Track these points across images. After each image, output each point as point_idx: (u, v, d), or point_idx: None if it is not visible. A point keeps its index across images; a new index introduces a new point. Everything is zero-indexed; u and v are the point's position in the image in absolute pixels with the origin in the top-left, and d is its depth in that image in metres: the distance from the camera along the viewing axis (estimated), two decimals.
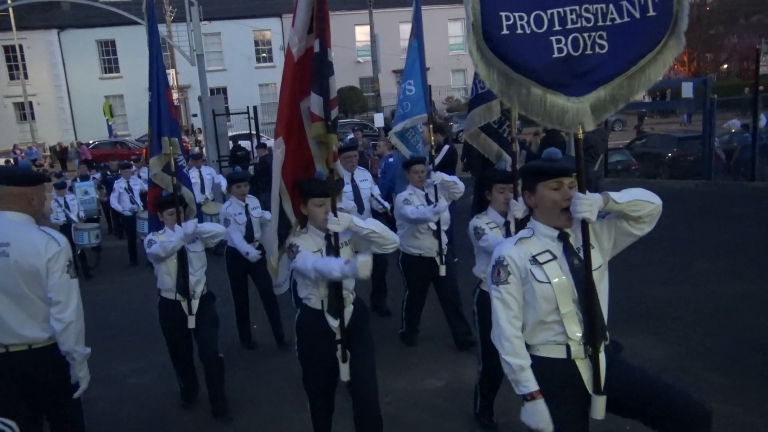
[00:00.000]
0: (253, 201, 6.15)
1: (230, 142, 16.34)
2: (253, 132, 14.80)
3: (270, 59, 38.72)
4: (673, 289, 6.77)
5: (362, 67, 37.94)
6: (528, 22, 2.35)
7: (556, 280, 2.55)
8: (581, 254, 2.57)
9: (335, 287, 3.39)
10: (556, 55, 2.38)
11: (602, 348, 2.60)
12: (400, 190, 5.69)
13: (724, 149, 14.71)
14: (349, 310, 3.51)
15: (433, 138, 5.81)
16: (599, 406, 2.58)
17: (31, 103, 33.96)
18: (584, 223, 2.52)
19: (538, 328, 2.61)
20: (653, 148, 16.24)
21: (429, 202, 5.45)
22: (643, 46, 2.38)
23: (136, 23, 17.20)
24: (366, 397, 3.45)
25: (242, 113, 15.52)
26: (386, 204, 6.59)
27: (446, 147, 8.37)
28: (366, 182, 6.54)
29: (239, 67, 37.05)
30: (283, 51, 31.11)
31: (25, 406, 3.30)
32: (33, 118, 34.28)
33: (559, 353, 2.60)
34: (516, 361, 2.58)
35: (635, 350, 4.93)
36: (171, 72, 30.67)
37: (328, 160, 3.38)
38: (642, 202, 2.51)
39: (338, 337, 3.44)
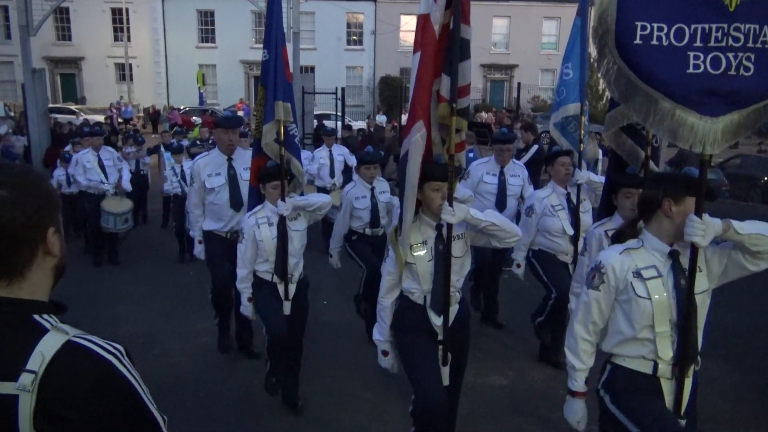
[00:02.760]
0: (381, 184, 5.67)
1: (314, 121, 16.65)
2: (339, 113, 15.02)
3: (360, 42, 38.89)
4: (755, 317, 6.47)
5: None
6: (667, 34, 2.27)
7: (657, 297, 2.48)
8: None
9: (443, 283, 3.20)
10: (690, 70, 2.29)
11: (690, 373, 2.55)
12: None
13: None
14: (454, 310, 3.32)
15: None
16: None
17: (130, 65, 35.54)
18: (693, 246, 2.42)
19: (629, 342, 2.56)
20: (748, 169, 15.46)
21: (570, 202, 4.92)
22: None
23: None
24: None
25: (329, 93, 15.79)
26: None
27: (535, 147, 8.28)
28: (517, 178, 5.76)
29: (329, 48, 37.39)
30: (374, 35, 30.92)
31: None
32: (131, 79, 35.89)
33: (645, 368, 2.55)
34: (572, 359, 2.69)
35: (711, 375, 4.73)
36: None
37: (449, 147, 3.17)
38: (765, 237, 2.38)
39: (440, 337, 3.27)
